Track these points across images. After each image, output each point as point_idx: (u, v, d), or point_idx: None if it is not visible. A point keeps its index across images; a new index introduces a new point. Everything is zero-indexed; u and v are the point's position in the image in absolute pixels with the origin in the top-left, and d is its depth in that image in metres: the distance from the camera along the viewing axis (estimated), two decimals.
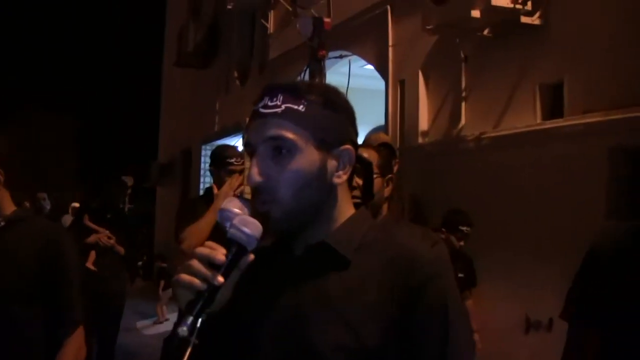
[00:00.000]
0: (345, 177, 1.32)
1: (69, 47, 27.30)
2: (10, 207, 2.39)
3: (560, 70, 4.37)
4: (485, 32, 4.79)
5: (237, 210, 1.23)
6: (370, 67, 6.63)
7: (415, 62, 5.64)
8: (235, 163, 4.08)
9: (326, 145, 1.28)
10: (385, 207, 2.50)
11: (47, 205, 8.15)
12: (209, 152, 8.10)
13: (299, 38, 7.00)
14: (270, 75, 8.67)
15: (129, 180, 9.89)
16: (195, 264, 1.18)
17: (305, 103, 1.27)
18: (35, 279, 2.29)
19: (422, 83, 5.58)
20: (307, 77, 4.74)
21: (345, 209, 1.36)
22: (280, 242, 1.37)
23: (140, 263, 9.88)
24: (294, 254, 1.35)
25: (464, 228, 4.56)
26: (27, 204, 9.43)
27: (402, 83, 5.82)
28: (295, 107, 1.26)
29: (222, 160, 4.10)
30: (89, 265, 5.70)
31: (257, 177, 1.25)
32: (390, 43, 5.96)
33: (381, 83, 6.23)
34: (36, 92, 28.82)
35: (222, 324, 1.31)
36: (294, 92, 1.28)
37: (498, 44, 4.81)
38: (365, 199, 1.50)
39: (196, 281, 1.16)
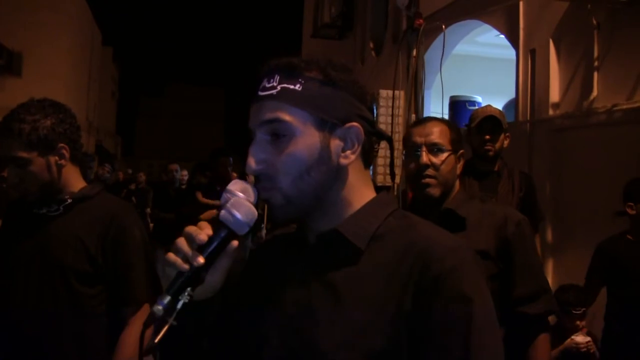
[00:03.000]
0: (353, 157, 1.25)
1: (213, 23, 28.61)
2: (79, 184, 2.40)
3: None
4: None
5: (239, 193, 1.22)
6: (502, 36, 6.60)
7: (546, 30, 5.57)
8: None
9: (328, 125, 1.23)
10: (457, 183, 2.51)
11: (179, 176, 8.64)
12: None
13: (431, 7, 7.09)
14: (405, 45, 8.77)
15: None
16: (180, 242, 1.18)
17: (302, 82, 1.22)
18: (98, 257, 2.29)
19: (553, 52, 5.51)
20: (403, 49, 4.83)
21: (362, 192, 1.29)
22: (299, 230, 1.33)
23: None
24: (308, 242, 1.30)
25: None
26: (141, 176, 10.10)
27: (532, 52, 5.77)
28: (292, 86, 1.22)
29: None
30: None
31: (253, 165, 1.22)
32: (520, 11, 5.91)
33: (513, 52, 6.21)
34: (182, 66, 30.40)
35: (231, 314, 1.33)
36: (290, 70, 1.23)
37: (633, 10, 4.66)
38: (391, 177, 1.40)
39: (178, 260, 1.16)
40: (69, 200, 2.34)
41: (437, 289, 1.12)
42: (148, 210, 9.62)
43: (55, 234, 2.29)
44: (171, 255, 1.17)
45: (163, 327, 1.13)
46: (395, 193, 4.55)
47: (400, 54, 5.24)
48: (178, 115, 32.15)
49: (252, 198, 1.23)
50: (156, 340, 1.13)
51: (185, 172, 8.82)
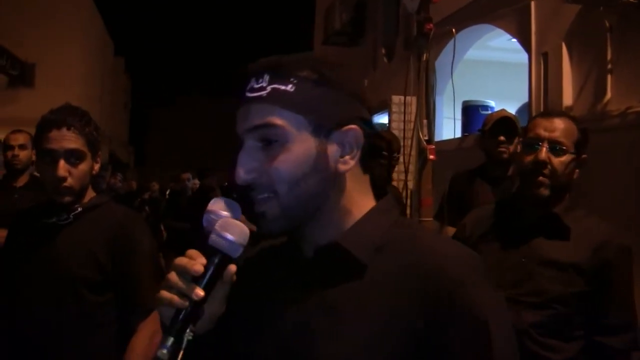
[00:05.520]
0: (352, 163, 1.16)
1: (224, 34, 28.70)
2: (90, 194, 2.42)
3: None
4: None
5: (223, 213, 1.13)
6: (515, 40, 6.59)
7: (559, 33, 5.56)
8: (384, 156, 4.22)
9: (324, 128, 1.14)
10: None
11: (191, 185, 8.66)
12: None
13: (441, 13, 7.09)
14: (416, 50, 8.78)
15: None
16: (173, 277, 1.08)
17: (295, 82, 1.13)
18: (107, 266, 2.30)
19: (565, 55, 5.49)
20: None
21: (361, 200, 1.20)
22: (290, 241, 1.25)
23: None
24: (303, 255, 1.21)
25: None
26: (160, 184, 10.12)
27: (545, 56, 5.76)
28: (283, 87, 1.12)
29: (375, 150, 4.26)
30: None
31: (243, 175, 1.14)
32: (532, 14, 5.91)
33: (525, 56, 6.20)
34: (194, 76, 30.47)
35: (222, 335, 1.23)
36: (281, 69, 1.14)
37: None
38: (380, 186, 1.27)
39: (175, 297, 1.07)
40: (79, 209, 2.36)
41: (450, 308, 1.05)
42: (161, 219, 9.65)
43: (64, 243, 2.31)
44: (165, 294, 1.08)
45: None
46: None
47: (412, 60, 5.25)
48: (191, 125, 32.26)
49: (238, 214, 1.15)
50: None
51: (197, 182, 8.85)
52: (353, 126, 1.15)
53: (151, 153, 31.75)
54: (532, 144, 2.27)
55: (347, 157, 1.16)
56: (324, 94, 1.14)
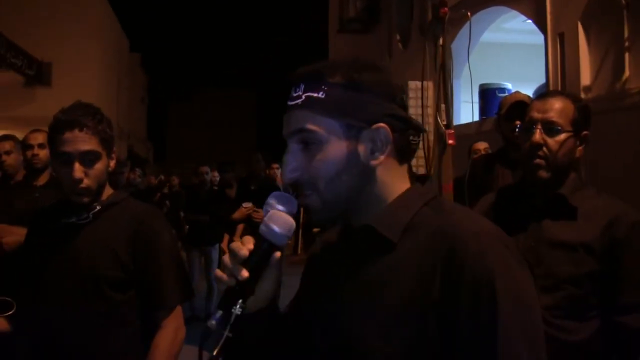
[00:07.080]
0: (382, 158, 1.27)
1: (239, 25, 28.61)
2: (107, 191, 2.41)
3: None
4: None
5: (277, 206, 1.27)
6: (530, 22, 6.55)
7: (575, 13, 5.53)
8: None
9: (354, 129, 1.25)
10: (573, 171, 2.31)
11: (209, 178, 8.65)
12: None
13: None
14: (432, 35, 8.74)
15: None
16: (225, 258, 1.25)
17: (326, 89, 1.25)
18: (128, 263, 2.29)
19: (582, 35, 5.46)
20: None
21: (396, 188, 1.31)
22: (343, 230, 1.38)
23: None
24: (347, 240, 1.36)
25: None
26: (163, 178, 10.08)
27: (561, 36, 5.73)
28: (315, 94, 1.25)
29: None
30: (236, 239, 6.12)
31: (289, 174, 1.27)
32: None
33: (541, 38, 6.16)
34: (211, 69, 30.45)
35: (287, 320, 1.40)
36: (314, 78, 1.27)
37: None
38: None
39: (224, 276, 1.23)
40: (98, 208, 2.35)
41: (460, 278, 1.13)
42: (182, 213, 9.68)
43: (85, 242, 2.31)
44: (218, 272, 1.25)
45: (220, 340, 1.18)
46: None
47: (427, 45, 5.24)
48: (209, 118, 32.32)
49: (293, 208, 1.28)
50: (215, 353, 1.18)
51: (216, 174, 8.84)
52: (382, 124, 1.26)
53: (170, 148, 31.89)
54: (528, 127, 2.27)
55: (377, 153, 1.27)
56: (353, 97, 1.26)
